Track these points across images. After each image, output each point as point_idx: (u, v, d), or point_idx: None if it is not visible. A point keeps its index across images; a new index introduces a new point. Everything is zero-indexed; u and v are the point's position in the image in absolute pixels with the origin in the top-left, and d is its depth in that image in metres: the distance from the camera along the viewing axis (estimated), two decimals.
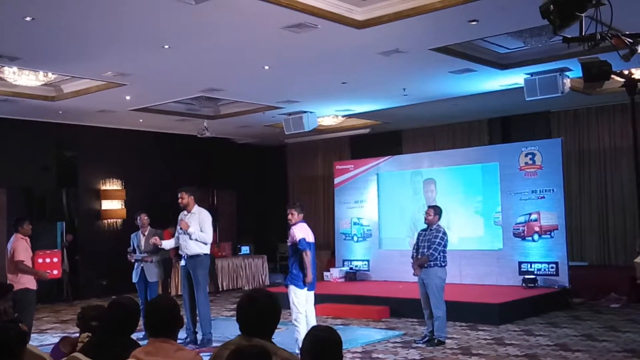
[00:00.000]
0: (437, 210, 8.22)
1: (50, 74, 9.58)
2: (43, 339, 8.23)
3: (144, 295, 8.87)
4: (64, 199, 13.33)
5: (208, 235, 8.35)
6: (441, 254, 7.99)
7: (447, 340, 8.15)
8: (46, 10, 6.67)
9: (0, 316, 4.99)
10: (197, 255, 8.29)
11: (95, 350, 3.44)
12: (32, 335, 7.82)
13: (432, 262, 7.96)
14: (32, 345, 4.00)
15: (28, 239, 7.92)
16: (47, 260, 8.14)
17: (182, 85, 10.37)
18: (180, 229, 8.30)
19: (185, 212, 8.45)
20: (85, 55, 8.39)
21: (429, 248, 7.96)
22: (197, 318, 8.36)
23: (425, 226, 8.27)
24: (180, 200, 8.42)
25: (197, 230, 8.26)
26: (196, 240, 8.25)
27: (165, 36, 7.69)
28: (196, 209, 8.47)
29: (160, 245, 8.52)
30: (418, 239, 8.27)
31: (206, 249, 8.38)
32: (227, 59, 8.80)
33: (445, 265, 8.05)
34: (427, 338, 8.04)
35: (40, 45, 7.86)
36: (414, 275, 8.22)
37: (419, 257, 8.09)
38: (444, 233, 8.08)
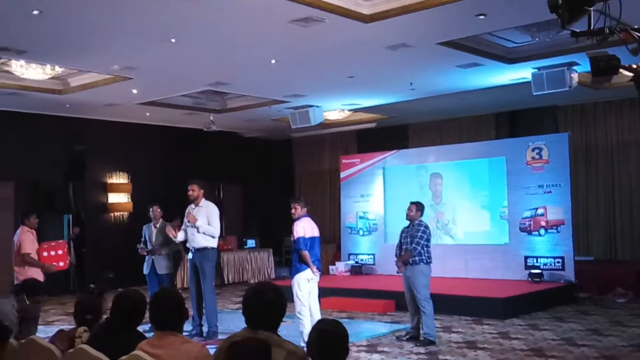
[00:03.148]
0: (419, 207, 8.05)
1: (57, 68, 9.60)
2: (50, 331, 8.24)
3: (155, 287, 8.90)
4: (70, 192, 13.36)
5: (216, 228, 8.37)
6: (424, 248, 7.77)
7: (452, 335, 8.16)
8: (53, 4, 6.69)
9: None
10: (205, 249, 8.31)
11: (102, 342, 3.45)
12: (38, 327, 7.86)
13: (417, 258, 7.72)
14: (39, 337, 4.02)
15: (34, 232, 7.96)
16: (52, 253, 8.14)
17: (188, 79, 10.38)
18: (188, 222, 8.31)
19: (192, 206, 8.47)
20: (92, 48, 8.41)
21: (412, 243, 7.76)
22: (204, 311, 8.39)
23: (407, 223, 8.06)
24: (190, 193, 8.42)
25: (205, 223, 8.28)
26: (204, 233, 8.27)
27: (172, 30, 7.69)
28: (204, 202, 8.48)
29: (176, 237, 8.51)
30: (401, 235, 8.07)
31: (213, 243, 8.39)
32: (234, 53, 8.80)
33: (430, 263, 7.84)
34: (409, 335, 7.90)
35: (47, 38, 7.88)
36: (397, 273, 8.04)
37: (402, 253, 7.91)
38: (426, 227, 7.90)
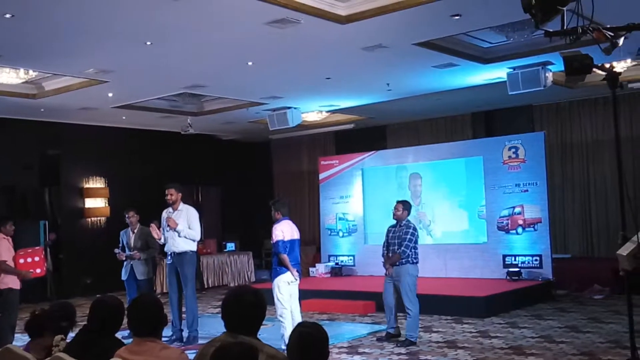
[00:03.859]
0: (406, 206, 7.97)
1: (31, 72, 9.47)
2: (26, 339, 8.14)
3: (134, 293, 8.80)
4: (46, 197, 13.20)
5: (196, 232, 8.33)
6: (412, 250, 7.73)
7: (432, 334, 8.19)
8: (26, 7, 6.60)
9: None
10: (185, 253, 8.26)
11: (79, 349, 3.41)
12: (15, 335, 7.76)
13: (403, 260, 7.70)
14: (15, 346, 3.96)
15: (10, 239, 7.84)
16: (29, 259, 8.02)
17: (165, 82, 10.31)
18: (168, 226, 8.26)
19: (171, 210, 8.40)
20: (67, 52, 8.31)
21: (400, 245, 7.71)
22: (183, 315, 8.34)
23: (394, 222, 8.00)
24: (169, 197, 8.36)
25: (186, 227, 8.23)
26: (185, 237, 8.22)
27: (148, 32, 7.63)
28: (182, 206, 8.43)
29: (160, 238, 8.35)
30: (387, 235, 8.01)
31: (194, 246, 8.36)
32: (210, 55, 8.76)
33: (417, 262, 7.80)
34: (390, 334, 7.88)
35: (20, 42, 7.77)
36: (385, 275, 7.96)
37: (390, 255, 7.85)
38: (415, 229, 7.84)
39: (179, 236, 8.21)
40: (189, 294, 8.25)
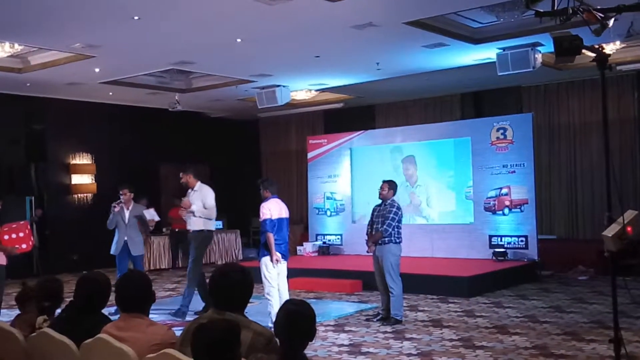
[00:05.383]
0: (391, 185, 7.97)
1: (16, 45, 9.35)
2: (13, 314, 8.11)
3: (126, 269, 8.73)
4: (32, 173, 13.10)
5: (210, 210, 8.44)
6: (395, 229, 7.71)
7: (418, 313, 8.25)
8: None
9: None
10: (201, 231, 8.45)
11: (66, 325, 3.40)
12: (1, 310, 7.75)
13: (386, 238, 7.69)
14: (1, 321, 3.95)
15: None
16: (14, 235, 7.95)
17: (152, 58, 10.21)
18: (183, 208, 8.47)
19: (190, 191, 8.59)
20: (53, 26, 8.20)
21: (383, 224, 7.70)
22: (203, 290, 8.41)
23: (380, 201, 8.00)
24: (182, 181, 8.63)
25: (201, 207, 8.37)
26: (200, 217, 8.37)
27: (135, 7, 7.54)
28: (198, 185, 8.60)
29: (186, 208, 8.43)
30: (372, 214, 8.02)
31: (209, 225, 8.51)
32: (199, 31, 8.68)
33: (400, 242, 7.80)
34: (380, 316, 7.89)
35: (6, 15, 7.66)
36: (367, 252, 8.01)
37: (374, 233, 7.86)
38: (398, 208, 7.83)
39: (194, 216, 8.38)
40: (189, 269, 8.45)
